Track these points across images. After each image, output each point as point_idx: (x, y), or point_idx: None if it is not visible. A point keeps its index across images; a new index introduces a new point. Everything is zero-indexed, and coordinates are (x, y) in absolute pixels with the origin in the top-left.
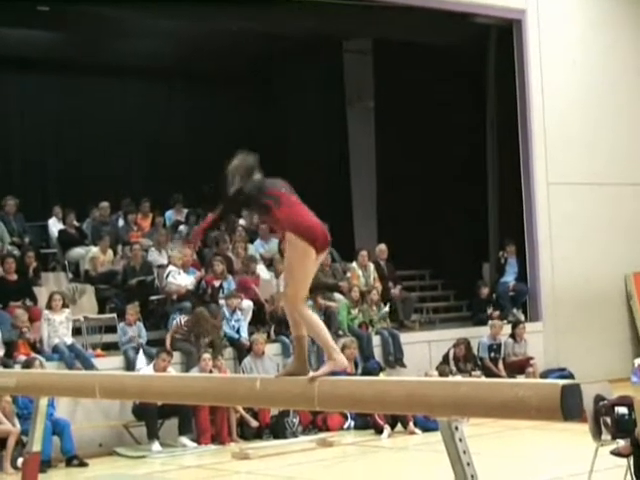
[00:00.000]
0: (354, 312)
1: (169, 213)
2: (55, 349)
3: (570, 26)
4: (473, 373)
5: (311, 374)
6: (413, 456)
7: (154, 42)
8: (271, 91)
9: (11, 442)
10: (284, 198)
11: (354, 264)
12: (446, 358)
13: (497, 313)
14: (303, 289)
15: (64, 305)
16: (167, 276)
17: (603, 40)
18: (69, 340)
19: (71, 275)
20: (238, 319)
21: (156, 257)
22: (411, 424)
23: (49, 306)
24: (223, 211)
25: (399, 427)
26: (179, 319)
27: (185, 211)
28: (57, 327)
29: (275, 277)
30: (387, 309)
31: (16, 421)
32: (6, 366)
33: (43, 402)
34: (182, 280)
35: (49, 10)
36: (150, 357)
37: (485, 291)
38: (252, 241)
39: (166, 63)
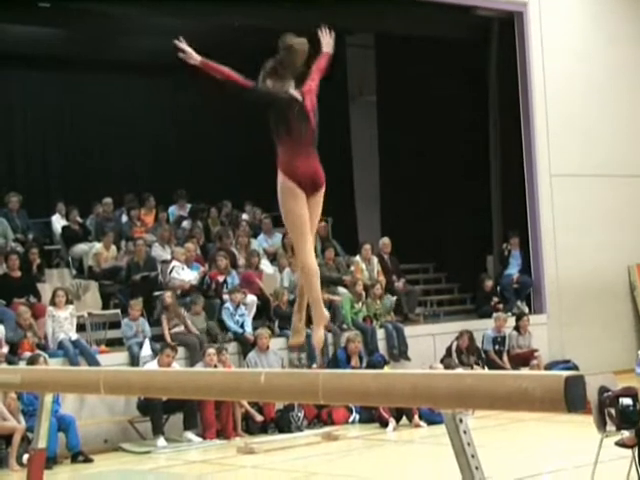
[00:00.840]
0: (358, 306)
1: (172, 208)
2: (60, 345)
3: (572, 18)
4: (476, 366)
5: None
6: (418, 449)
7: (156, 39)
8: None
9: (16, 439)
10: (295, 133)
11: (357, 258)
12: (449, 350)
13: (501, 306)
14: (301, 234)
15: (68, 301)
16: (171, 271)
17: (605, 32)
18: (74, 336)
19: (75, 271)
20: (242, 314)
21: (160, 252)
22: (416, 417)
23: (53, 302)
24: (251, 90)
25: (404, 420)
26: None
27: (188, 206)
28: (62, 323)
29: (279, 272)
30: (394, 298)
31: (21, 418)
32: (11, 363)
33: (48, 398)
34: (186, 275)
35: (50, 6)
36: (155, 351)
37: (489, 284)
38: (255, 236)
39: (168, 60)
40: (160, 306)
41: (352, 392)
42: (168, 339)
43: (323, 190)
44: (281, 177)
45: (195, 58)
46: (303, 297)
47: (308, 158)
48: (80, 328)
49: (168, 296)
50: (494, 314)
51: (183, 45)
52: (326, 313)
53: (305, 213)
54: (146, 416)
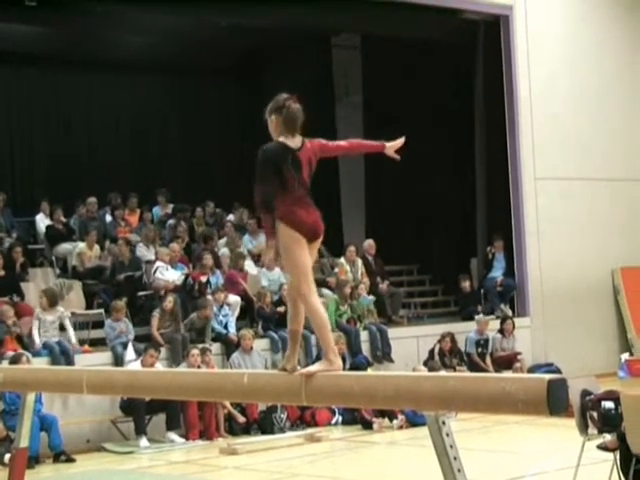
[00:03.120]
0: (343, 308)
1: (156, 209)
2: (45, 345)
3: (558, 21)
4: (458, 368)
5: (300, 370)
6: (401, 451)
7: (143, 37)
8: (260, 86)
9: None
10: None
11: (342, 259)
12: (432, 353)
13: (482, 308)
14: (306, 276)
15: (53, 304)
16: (155, 272)
17: (591, 35)
18: (56, 338)
19: (59, 271)
20: (226, 314)
21: (144, 253)
22: (401, 418)
23: (41, 305)
24: (263, 185)
25: (386, 422)
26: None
27: (171, 206)
28: (48, 327)
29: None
30: (371, 297)
31: None
32: None
33: (30, 398)
34: (170, 276)
35: (37, 5)
36: (139, 352)
37: (467, 284)
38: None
39: (155, 58)
40: (159, 308)
41: (335, 394)
42: (159, 339)
43: (321, 239)
44: (282, 227)
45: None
46: (298, 329)
47: (307, 208)
48: (62, 328)
49: (169, 301)
50: (476, 317)
51: None
52: (339, 362)
53: (309, 260)
54: (129, 416)
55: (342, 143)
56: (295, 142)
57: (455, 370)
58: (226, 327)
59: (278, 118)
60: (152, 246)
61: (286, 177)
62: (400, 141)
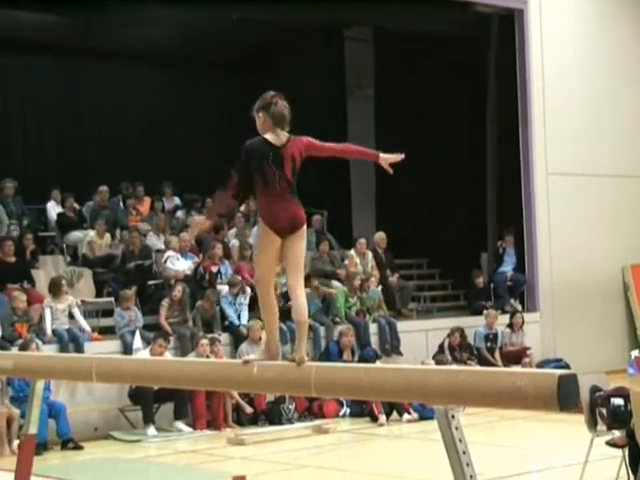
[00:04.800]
0: (352, 300)
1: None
2: (54, 333)
3: (571, 16)
4: (469, 362)
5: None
6: (409, 444)
7: (154, 29)
8: (271, 79)
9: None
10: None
11: (352, 252)
12: (442, 347)
13: (491, 303)
14: (266, 271)
15: (57, 293)
16: (165, 261)
17: (605, 30)
18: (66, 325)
19: (69, 258)
20: (241, 303)
21: (155, 242)
22: (409, 413)
23: (51, 292)
24: (238, 177)
25: (394, 415)
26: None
27: (175, 199)
28: (59, 316)
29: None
30: (378, 289)
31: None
32: (3, 348)
33: (40, 385)
34: (180, 265)
35: None
36: (147, 341)
37: (480, 280)
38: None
39: (166, 49)
40: (168, 297)
41: (344, 385)
42: (167, 328)
43: (303, 227)
44: (261, 223)
45: (212, 217)
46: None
47: (286, 204)
48: (71, 316)
49: (179, 290)
50: (484, 311)
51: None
52: (272, 352)
53: (273, 265)
54: (137, 405)
55: (333, 145)
56: (280, 139)
57: (466, 364)
58: (240, 317)
59: (265, 115)
60: (162, 235)
61: (266, 172)
62: (397, 157)
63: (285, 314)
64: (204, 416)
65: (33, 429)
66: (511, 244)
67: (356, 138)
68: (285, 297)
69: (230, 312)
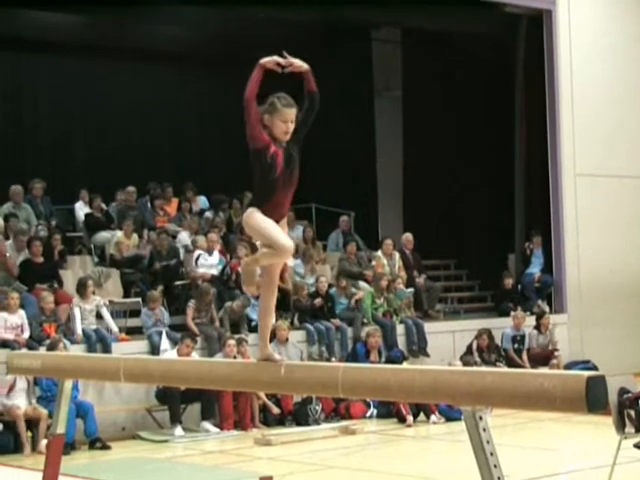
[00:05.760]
0: (379, 301)
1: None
2: (82, 333)
3: (600, 16)
4: (498, 364)
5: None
6: (435, 445)
7: (182, 28)
8: (300, 80)
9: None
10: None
11: (379, 252)
12: (470, 349)
13: (518, 304)
14: (273, 230)
15: (84, 295)
16: (197, 259)
17: (634, 31)
18: (94, 325)
19: (97, 259)
20: None
21: (184, 242)
22: (435, 415)
23: (79, 293)
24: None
25: (421, 416)
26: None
27: (198, 198)
28: (87, 316)
29: (304, 265)
30: (408, 290)
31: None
32: (31, 348)
33: (68, 384)
34: (212, 261)
35: None
36: (174, 342)
37: (509, 282)
38: None
39: (197, 50)
40: (195, 298)
41: (372, 386)
42: (194, 329)
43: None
44: (255, 211)
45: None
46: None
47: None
48: (99, 316)
49: (205, 291)
50: (512, 312)
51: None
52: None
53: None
54: (164, 405)
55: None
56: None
57: (495, 366)
58: None
59: (269, 117)
60: (194, 236)
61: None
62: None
63: (313, 314)
64: (231, 416)
65: (61, 429)
66: (538, 245)
67: (384, 139)
68: (311, 296)
69: (254, 315)
